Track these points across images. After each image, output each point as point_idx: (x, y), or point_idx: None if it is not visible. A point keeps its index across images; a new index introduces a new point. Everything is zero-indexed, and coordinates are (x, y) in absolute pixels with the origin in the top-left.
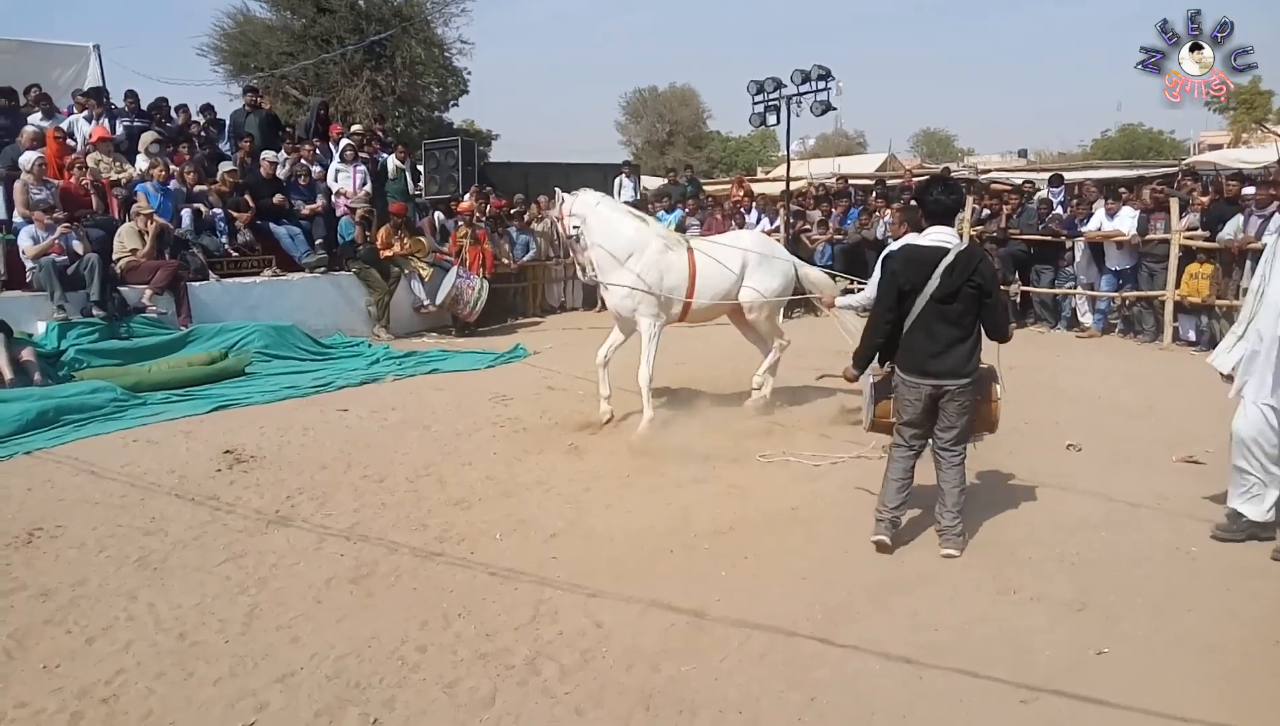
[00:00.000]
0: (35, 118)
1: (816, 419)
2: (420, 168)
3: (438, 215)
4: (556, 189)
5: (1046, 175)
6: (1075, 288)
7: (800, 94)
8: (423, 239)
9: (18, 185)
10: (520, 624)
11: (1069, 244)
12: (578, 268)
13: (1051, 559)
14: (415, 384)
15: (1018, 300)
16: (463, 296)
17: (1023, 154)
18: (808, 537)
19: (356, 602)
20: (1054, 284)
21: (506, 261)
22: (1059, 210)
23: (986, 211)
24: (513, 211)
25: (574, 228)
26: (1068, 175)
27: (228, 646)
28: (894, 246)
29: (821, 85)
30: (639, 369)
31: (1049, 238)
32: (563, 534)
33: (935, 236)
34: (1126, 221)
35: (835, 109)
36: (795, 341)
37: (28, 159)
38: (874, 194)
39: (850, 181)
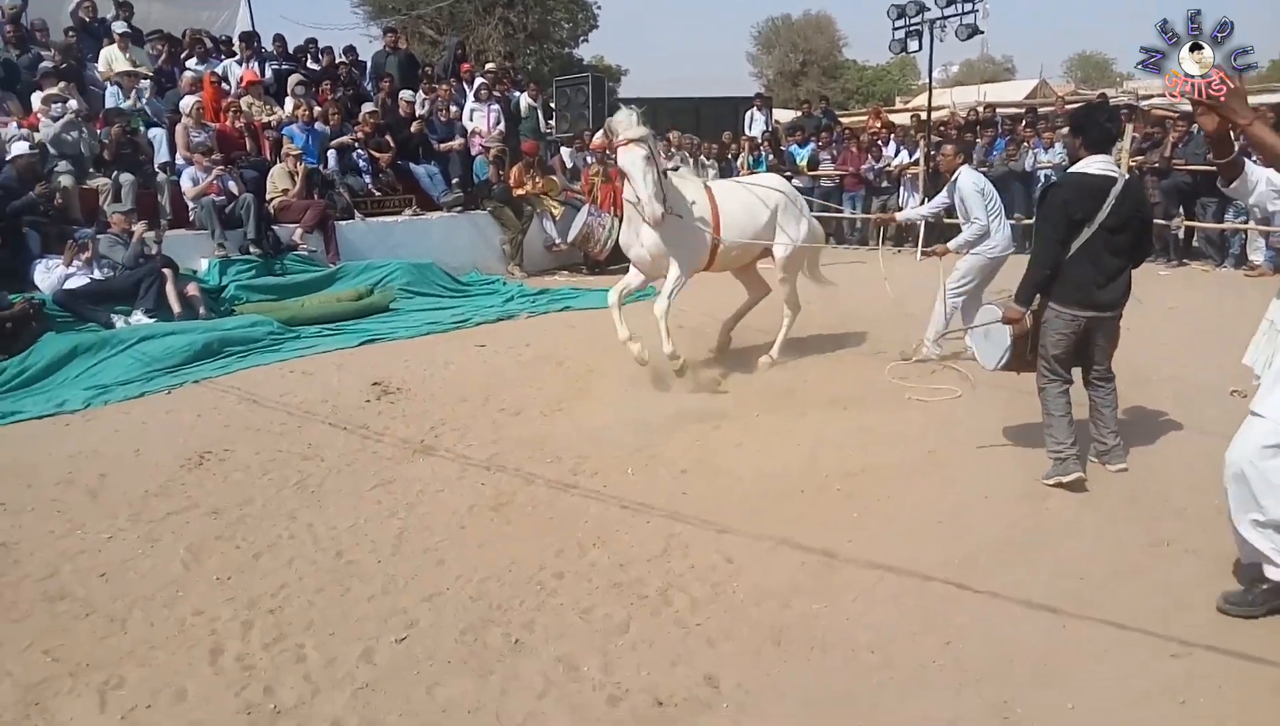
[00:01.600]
0: (192, 63)
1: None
2: (552, 105)
3: (565, 151)
4: (608, 119)
5: None
6: (1246, 222)
7: (945, 17)
8: (554, 177)
9: (179, 129)
10: (652, 555)
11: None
12: (645, 207)
13: (1210, 510)
14: (548, 321)
15: (1180, 235)
16: (594, 234)
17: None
18: (944, 482)
19: (496, 529)
20: (1221, 219)
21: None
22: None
23: (1147, 142)
24: None
25: (644, 153)
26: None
27: (380, 566)
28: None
29: (967, 7)
30: (656, 302)
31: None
32: (692, 471)
33: (1100, 165)
34: None
35: (982, 33)
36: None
37: (187, 103)
38: (1023, 123)
39: (997, 110)
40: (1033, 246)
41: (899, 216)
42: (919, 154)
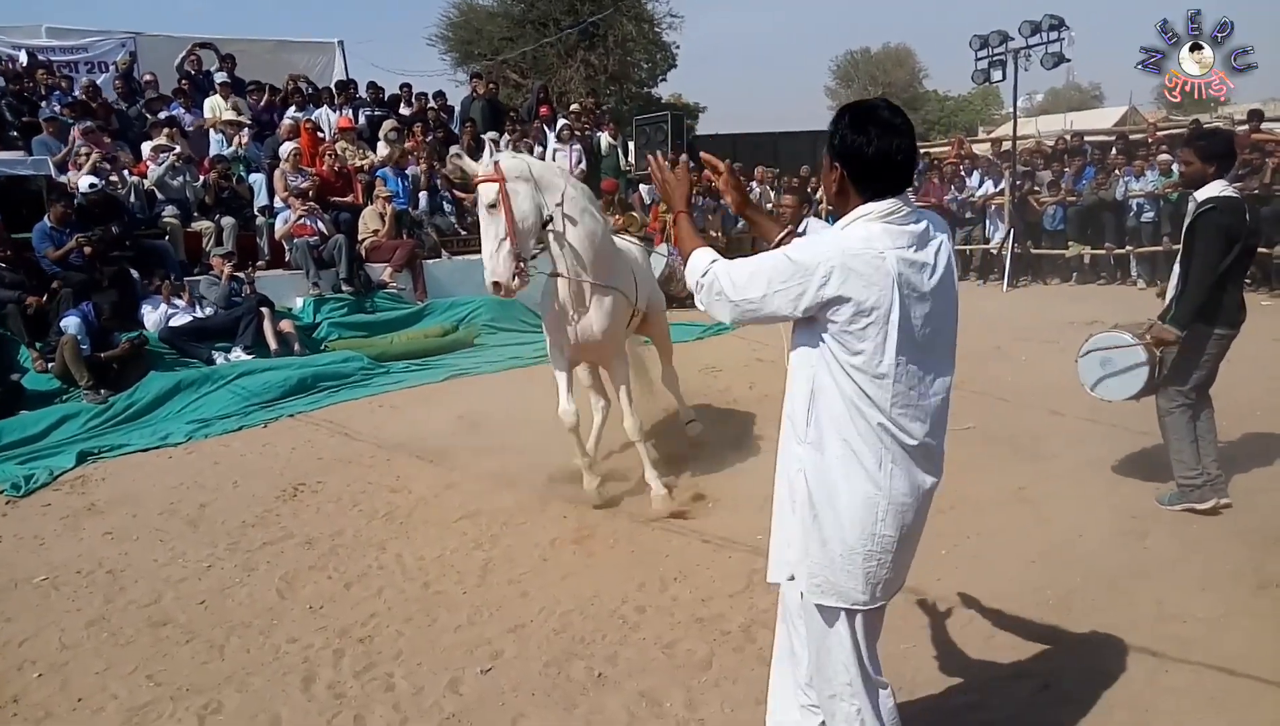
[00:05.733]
0: (290, 110)
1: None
2: (631, 143)
3: (643, 188)
4: (489, 141)
5: None
6: None
7: (1029, 46)
8: (634, 214)
9: (277, 173)
10: (734, 591)
11: None
12: (515, 259)
13: None
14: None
15: None
16: (676, 273)
17: None
18: (1036, 519)
19: (579, 562)
20: None
21: (715, 234)
22: None
23: (1245, 169)
24: None
25: (538, 200)
26: None
27: (465, 597)
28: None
29: (1053, 36)
30: (627, 421)
31: None
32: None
33: (1231, 189)
34: None
35: (1069, 61)
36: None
37: (285, 149)
38: (1113, 151)
39: (1085, 138)
40: (1193, 271)
41: None
42: (1004, 184)
